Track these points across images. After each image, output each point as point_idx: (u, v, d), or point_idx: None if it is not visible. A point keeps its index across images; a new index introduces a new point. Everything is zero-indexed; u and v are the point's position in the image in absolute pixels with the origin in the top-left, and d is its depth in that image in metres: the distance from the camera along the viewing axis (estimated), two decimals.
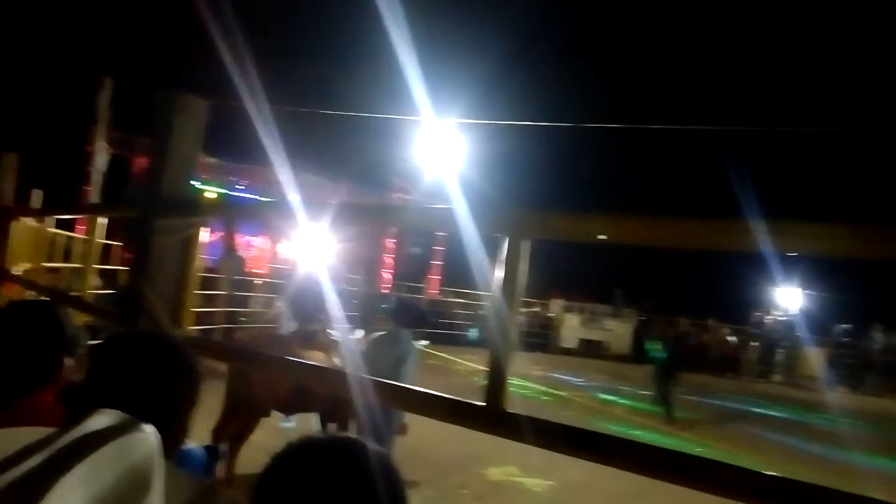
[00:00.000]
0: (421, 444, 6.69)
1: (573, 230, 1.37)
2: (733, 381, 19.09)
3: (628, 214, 1.33)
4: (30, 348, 1.65)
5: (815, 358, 19.03)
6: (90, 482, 0.66)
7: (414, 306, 5.35)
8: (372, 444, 0.91)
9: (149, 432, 0.76)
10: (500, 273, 1.39)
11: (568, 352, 21.14)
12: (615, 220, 1.37)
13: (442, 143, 17.73)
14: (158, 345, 1.28)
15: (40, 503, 0.60)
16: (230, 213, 4.21)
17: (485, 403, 1.36)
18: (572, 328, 22.23)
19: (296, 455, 0.88)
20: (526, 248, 1.39)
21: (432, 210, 2.41)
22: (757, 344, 21.31)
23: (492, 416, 1.35)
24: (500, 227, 1.42)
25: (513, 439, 1.33)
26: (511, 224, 1.40)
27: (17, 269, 4.48)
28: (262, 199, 18.54)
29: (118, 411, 0.78)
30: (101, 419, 0.74)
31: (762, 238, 1.17)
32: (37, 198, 5.21)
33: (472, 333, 19.48)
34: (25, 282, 4.17)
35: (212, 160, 18.67)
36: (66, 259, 7.45)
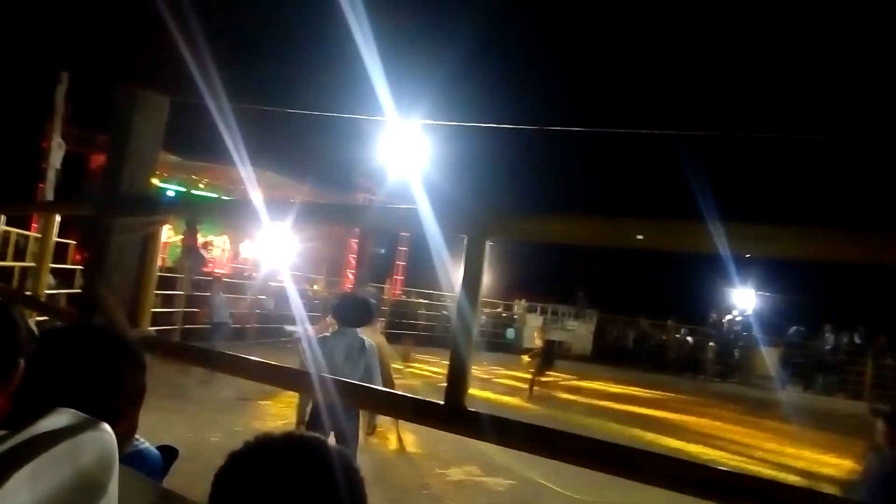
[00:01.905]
0: (382, 444, 6.69)
1: (533, 231, 1.39)
2: (691, 381, 19.48)
3: (586, 215, 1.36)
4: None
5: (769, 358, 19.54)
6: (37, 484, 0.64)
7: (359, 302, 4.92)
8: (331, 443, 0.91)
9: (106, 432, 0.75)
10: (461, 273, 1.41)
11: (530, 352, 21.31)
12: (574, 220, 1.40)
13: (406, 144, 17.72)
14: (98, 336, 1.26)
15: None
16: (190, 212, 4.14)
17: (445, 402, 1.37)
18: (535, 328, 22.40)
19: (253, 454, 0.87)
20: (487, 248, 1.41)
21: (395, 210, 2.42)
22: (714, 344, 21.79)
23: (452, 414, 1.37)
24: (462, 228, 1.43)
25: (473, 438, 1.34)
26: (473, 224, 1.42)
27: None
28: (224, 197, 18.32)
29: (75, 410, 0.76)
30: (57, 418, 0.73)
31: (718, 239, 1.21)
32: None
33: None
34: None
35: (172, 158, 18.35)
36: (20, 258, 7.25)
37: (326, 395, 1.64)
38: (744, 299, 23.74)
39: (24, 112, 16.94)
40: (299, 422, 4.60)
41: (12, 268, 6.43)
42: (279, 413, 7.48)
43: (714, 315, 23.54)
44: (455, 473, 6.51)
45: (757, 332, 20.57)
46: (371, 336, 4.93)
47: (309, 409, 4.53)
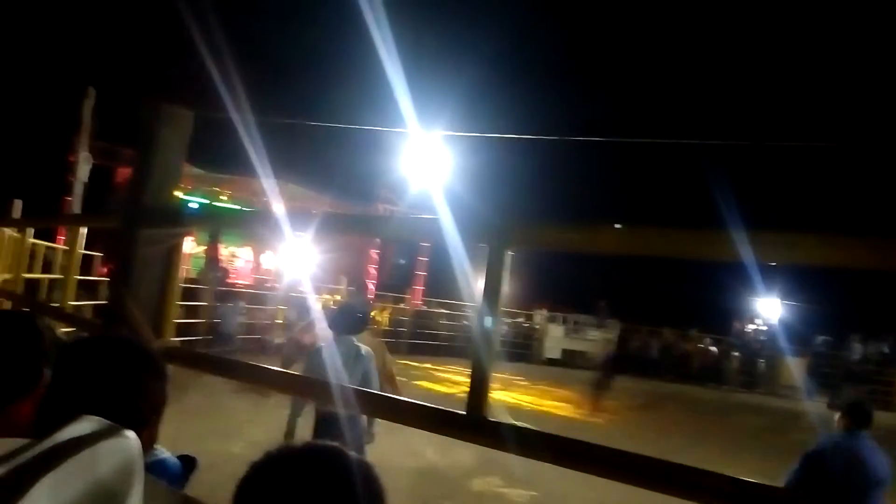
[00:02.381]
0: (404, 454, 6.67)
1: (554, 240, 1.39)
2: (715, 391, 19.22)
3: (606, 224, 1.35)
4: (10, 359, 1.64)
5: (794, 368, 19.22)
6: (58, 492, 0.65)
7: (353, 310, 4.97)
8: (352, 452, 0.91)
9: (129, 439, 0.75)
10: (482, 282, 1.41)
11: (552, 362, 21.18)
12: (594, 229, 1.39)
13: (428, 155, 17.78)
14: (120, 346, 1.28)
15: None
16: (213, 224, 4.18)
17: (466, 412, 1.37)
18: (556, 339, 22.29)
19: (274, 464, 0.87)
20: (508, 257, 1.41)
21: (416, 220, 2.43)
22: (738, 354, 21.49)
23: (473, 424, 1.36)
24: (483, 237, 1.43)
25: (494, 448, 1.33)
26: (493, 233, 1.42)
27: None
28: (246, 209, 18.47)
29: (100, 418, 0.77)
30: (82, 425, 0.74)
31: (741, 247, 1.19)
32: (17, 208, 5.16)
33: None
34: (4, 292, 4.12)
35: (195, 170, 18.58)
36: (47, 270, 7.37)
37: (345, 404, 1.64)
38: (768, 308, 23.41)
39: (51, 126, 17.28)
40: (288, 433, 4.62)
41: (39, 280, 6.55)
42: (301, 424, 7.49)
43: (738, 324, 23.23)
44: (476, 484, 6.47)
45: (782, 341, 20.25)
46: (369, 341, 4.96)
47: (294, 420, 4.70)
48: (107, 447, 0.72)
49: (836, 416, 4.29)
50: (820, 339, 21.23)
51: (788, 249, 1.25)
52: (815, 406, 15.47)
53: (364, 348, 4.60)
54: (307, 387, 1.84)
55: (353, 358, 4.48)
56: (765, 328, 22.59)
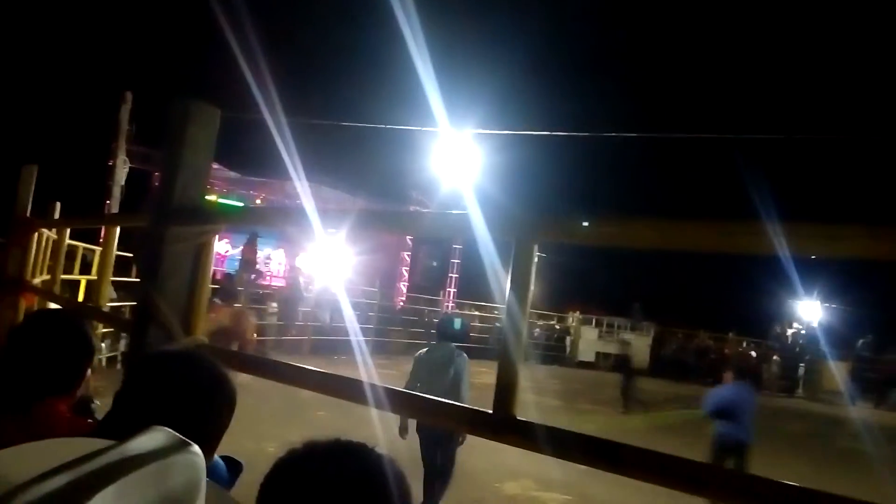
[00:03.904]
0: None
1: (581, 233, 1.35)
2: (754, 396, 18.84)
3: (637, 217, 1.30)
4: (52, 357, 1.65)
5: (837, 372, 18.71)
6: (126, 501, 0.64)
7: (452, 322, 5.91)
8: (377, 449, 0.89)
9: (196, 455, 0.75)
10: (510, 278, 1.37)
11: (585, 365, 20.98)
12: (625, 223, 1.35)
13: (459, 154, 17.77)
14: (196, 366, 1.27)
15: None
16: (242, 221, 4.22)
17: (494, 411, 1.33)
18: (590, 341, 22.08)
19: (299, 460, 0.86)
20: (535, 252, 1.37)
21: (443, 216, 2.40)
22: (778, 358, 21.01)
23: (501, 423, 1.33)
24: (509, 230, 1.39)
25: (523, 448, 1.29)
26: (520, 226, 1.38)
27: (37, 280, 4.53)
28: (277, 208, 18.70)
29: (171, 430, 0.77)
30: (152, 437, 0.73)
31: (780, 240, 1.14)
32: (57, 210, 5.26)
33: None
34: (44, 292, 4.20)
35: (231, 174, 18.88)
36: (86, 271, 7.53)
37: (378, 404, 1.63)
38: (809, 311, 22.86)
39: (91, 131, 17.70)
40: (402, 428, 5.30)
41: (78, 281, 6.69)
42: (335, 423, 7.52)
43: (778, 327, 22.72)
44: (510, 487, 6.41)
45: (823, 344, 19.74)
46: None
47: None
48: (176, 461, 0.72)
49: (727, 374, 6.14)
50: (862, 341, 20.66)
51: (830, 242, 1.19)
52: (858, 411, 15.05)
53: (459, 352, 5.43)
54: (342, 387, 1.82)
55: (449, 359, 5.34)
56: (805, 331, 22.05)
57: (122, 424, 1.16)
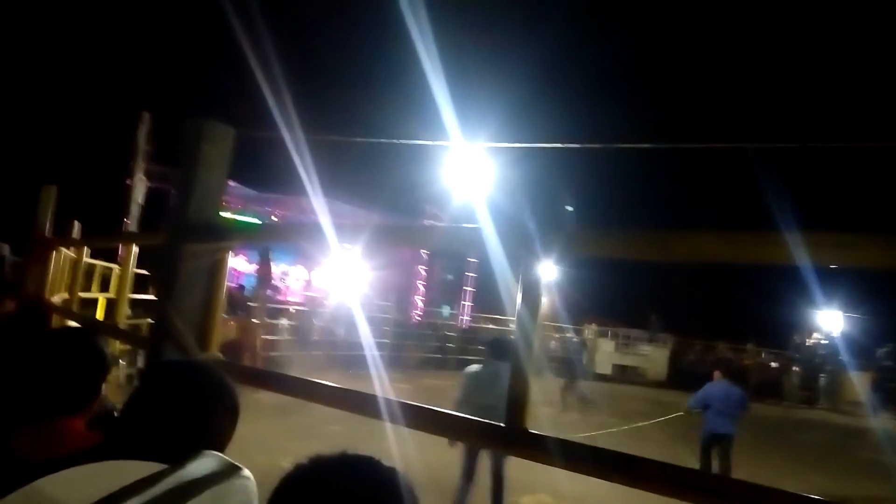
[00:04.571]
0: (454, 470, 6.61)
1: (591, 244, 1.35)
2: (775, 407, 18.57)
3: (648, 229, 1.30)
4: (69, 374, 1.67)
5: (858, 383, 18.42)
6: None
7: (504, 342, 5.94)
8: (385, 463, 0.89)
9: (249, 479, 0.77)
10: (521, 290, 1.37)
11: (602, 378, 20.81)
12: (638, 234, 1.34)
13: (471, 167, 17.79)
14: (198, 374, 1.28)
15: None
16: (255, 237, 4.25)
17: (506, 424, 1.32)
18: (606, 353, 21.93)
19: (306, 475, 0.86)
20: (545, 264, 1.37)
21: (456, 230, 2.40)
22: (798, 369, 20.72)
23: (513, 436, 1.32)
24: (520, 242, 1.40)
25: (535, 460, 1.29)
26: (530, 238, 1.38)
27: (56, 298, 4.58)
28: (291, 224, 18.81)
29: (221, 455, 0.78)
30: (205, 462, 0.75)
31: (797, 250, 1.13)
32: (76, 230, 5.33)
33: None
34: (63, 310, 4.25)
35: (247, 191, 19.03)
36: (106, 289, 7.60)
37: (391, 418, 1.63)
38: (829, 321, 22.55)
39: (111, 151, 17.95)
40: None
41: (96, 299, 6.76)
42: (350, 439, 7.47)
43: (797, 338, 22.41)
44: (526, 501, 6.36)
45: (844, 355, 19.45)
46: None
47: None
48: (229, 487, 0.74)
49: (716, 373, 6.57)
50: (884, 351, 20.33)
51: (846, 252, 1.18)
52: (881, 422, 14.80)
53: (507, 370, 5.52)
54: (359, 402, 1.82)
55: (494, 377, 5.26)
56: (825, 341, 21.74)
57: (128, 432, 1.17)
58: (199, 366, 1.38)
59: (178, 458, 1.09)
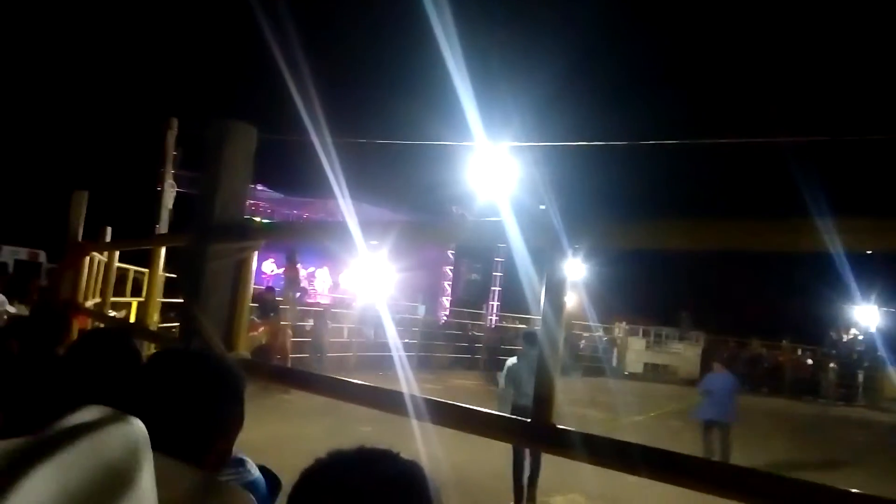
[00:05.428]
0: (482, 469, 6.59)
1: (616, 236, 1.32)
2: (812, 405, 18.21)
3: (676, 218, 1.27)
4: (104, 371, 1.69)
5: None
6: (64, 475, 0.65)
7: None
8: (405, 457, 0.88)
9: (133, 425, 0.75)
10: (545, 286, 1.35)
11: (633, 376, 20.60)
12: (662, 224, 1.31)
13: (497, 167, 17.74)
14: (200, 360, 1.28)
15: (7, 497, 0.59)
16: (280, 236, 4.28)
17: (532, 420, 1.30)
18: (637, 352, 21.71)
19: (324, 469, 0.85)
20: (569, 258, 1.35)
21: (479, 224, 2.38)
22: (835, 365, 20.29)
23: (540, 432, 1.30)
24: (543, 234, 1.37)
25: (562, 456, 1.26)
26: (553, 230, 1.36)
27: (89, 303, 4.66)
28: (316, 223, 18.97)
29: (105, 406, 0.77)
30: (86, 413, 0.74)
31: (830, 236, 1.09)
32: (108, 235, 5.42)
33: None
34: (95, 314, 4.32)
35: (275, 195, 19.22)
36: (136, 293, 7.72)
37: (419, 415, 1.62)
38: (866, 316, 22.04)
39: (140, 159, 18.27)
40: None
41: (129, 302, 6.87)
42: (380, 438, 7.49)
43: (833, 333, 21.96)
44: (557, 501, 6.31)
45: (883, 351, 18.99)
46: None
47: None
48: (112, 431, 0.72)
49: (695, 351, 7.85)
50: None
51: (879, 235, 1.14)
52: None
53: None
54: (391, 401, 1.81)
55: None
56: (863, 337, 21.26)
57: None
58: (200, 353, 1.38)
59: (182, 447, 1.09)
